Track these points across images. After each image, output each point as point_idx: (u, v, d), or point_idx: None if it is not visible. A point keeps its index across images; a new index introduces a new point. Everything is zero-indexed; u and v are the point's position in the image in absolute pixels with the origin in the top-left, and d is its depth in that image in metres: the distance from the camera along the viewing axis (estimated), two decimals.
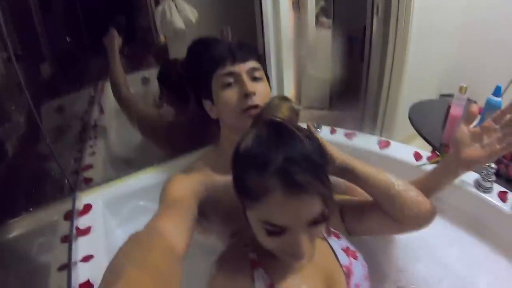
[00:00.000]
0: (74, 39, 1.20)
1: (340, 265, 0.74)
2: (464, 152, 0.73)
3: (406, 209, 0.72)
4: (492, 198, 0.97)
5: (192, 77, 1.11)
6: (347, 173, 0.76)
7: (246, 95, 0.82)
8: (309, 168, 0.58)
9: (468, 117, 0.72)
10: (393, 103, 1.68)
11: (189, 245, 0.67)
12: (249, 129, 0.66)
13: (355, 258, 0.77)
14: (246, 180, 0.61)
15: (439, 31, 1.81)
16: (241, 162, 0.64)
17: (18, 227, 1.02)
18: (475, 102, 1.35)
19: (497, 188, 0.99)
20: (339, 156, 0.76)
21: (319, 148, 0.64)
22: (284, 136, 0.61)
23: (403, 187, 0.73)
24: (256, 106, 0.82)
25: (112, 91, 1.27)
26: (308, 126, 0.80)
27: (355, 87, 1.77)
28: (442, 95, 1.81)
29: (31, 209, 1.05)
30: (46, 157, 1.08)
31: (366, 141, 1.23)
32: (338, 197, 0.85)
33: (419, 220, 0.74)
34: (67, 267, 0.87)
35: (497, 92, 1.14)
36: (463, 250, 0.97)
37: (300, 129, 0.64)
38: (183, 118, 1.34)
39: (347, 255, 0.76)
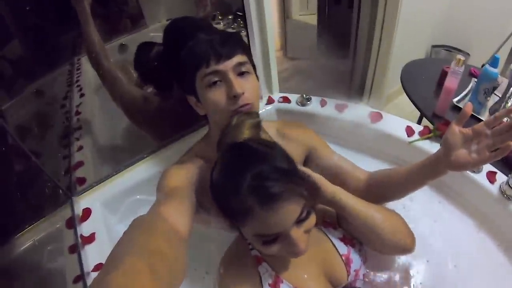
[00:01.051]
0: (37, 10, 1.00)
1: (340, 254, 0.78)
2: (453, 155, 0.69)
3: (383, 247, 0.78)
4: (481, 178, 0.97)
5: (172, 71, 1.02)
6: (336, 206, 0.77)
7: (235, 96, 0.76)
8: (278, 177, 0.61)
9: (460, 117, 0.68)
10: (385, 55, 1.57)
11: (191, 230, 0.69)
12: (217, 158, 0.70)
13: (353, 246, 0.81)
14: (227, 206, 0.66)
15: None
16: (217, 193, 0.68)
17: (23, 242, 1.01)
18: (467, 54, 1.26)
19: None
20: (329, 188, 0.77)
21: (282, 153, 0.67)
22: (247, 155, 0.65)
23: (387, 230, 0.76)
24: (246, 105, 0.78)
25: (91, 63, 1.13)
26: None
27: (344, 36, 1.63)
28: (434, 46, 1.68)
29: (32, 223, 1.03)
30: (34, 168, 1.02)
31: (357, 114, 1.19)
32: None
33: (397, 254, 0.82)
34: (80, 279, 0.89)
35: (494, 63, 1.08)
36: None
37: (262, 142, 0.68)
38: (167, 103, 1.24)
39: (345, 244, 0.80)
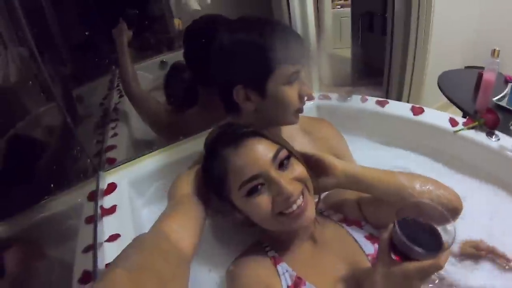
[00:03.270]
0: (89, 28, 1.14)
1: (366, 255, 0.68)
2: None
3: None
4: None
5: (197, 60, 1.04)
6: (351, 180, 0.70)
7: (302, 96, 0.77)
8: (242, 126, 0.66)
9: None
10: (419, 77, 1.58)
11: (197, 244, 0.64)
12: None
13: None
14: (212, 175, 0.67)
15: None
16: (207, 176, 0.71)
17: (42, 211, 0.95)
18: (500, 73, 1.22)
19: None
20: (339, 164, 0.70)
21: None
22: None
23: (418, 188, 0.66)
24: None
25: (122, 86, 1.20)
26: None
27: (378, 63, 1.65)
28: (467, 67, 1.68)
29: (55, 193, 0.98)
30: (68, 140, 1.02)
31: (399, 108, 1.14)
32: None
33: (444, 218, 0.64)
34: (92, 248, 0.81)
35: None
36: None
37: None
38: (190, 115, 1.24)
39: (372, 243, 0.70)
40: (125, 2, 1.16)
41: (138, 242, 0.56)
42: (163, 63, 1.45)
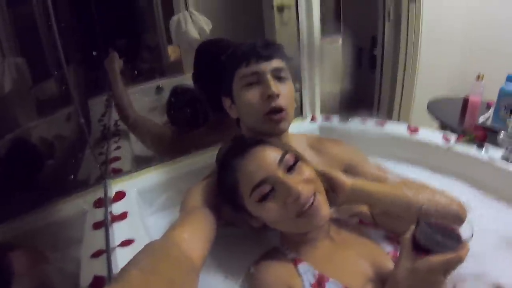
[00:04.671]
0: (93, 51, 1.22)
1: (386, 252, 0.73)
2: None
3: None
4: None
5: (204, 78, 1.11)
6: (359, 195, 0.74)
7: (269, 96, 0.78)
8: (251, 137, 0.77)
9: None
10: (407, 107, 1.74)
11: (206, 256, 0.67)
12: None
13: (399, 243, 0.73)
14: (226, 185, 0.72)
15: (446, 35, 1.94)
16: (221, 186, 0.76)
17: (45, 217, 0.96)
18: None
19: None
20: (348, 181, 0.74)
21: None
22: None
23: (423, 200, 0.70)
24: (279, 109, 0.79)
25: (117, 112, 1.25)
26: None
27: (366, 97, 1.79)
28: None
29: (58, 199, 0.99)
30: (74, 147, 1.03)
31: (396, 128, 1.26)
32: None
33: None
34: (102, 253, 0.82)
35: (509, 80, 1.20)
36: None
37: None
38: (191, 136, 1.31)
39: (390, 242, 0.76)
40: (120, 31, 1.25)
41: (150, 248, 0.58)
42: (159, 88, 1.52)
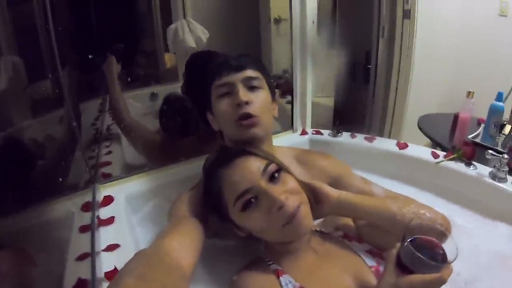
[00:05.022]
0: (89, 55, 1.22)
1: (369, 266, 0.74)
2: None
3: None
4: (508, 186, 1.02)
5: (193, 90, 1.14)
6: (344, 207, 0.77)
7: (238, 104, 0.81)
8: (231, 148, 0.79)
9: None
10: (399, 123, 1.77)
11: (195, 264, 0.68)
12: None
13: (382, 258, 0.77)
14: (211, 195, 0.74)
15: (438, 52, 2.00)
16: (207, 195, 0.78)
17: (31, 218, 0.93)
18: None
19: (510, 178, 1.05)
20: (334, 193, 0.77)
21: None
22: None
23: (407, 214, 0.73)
24: (249, 115, 0.82)
25: (112, 115, 1.27)
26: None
27: (359, 111, 1.83)
28: None
29: (46, 200, 0.96)
30: (64, 150, 1.06)
31: (385, 144, 1.28)
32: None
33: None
34: (87, 256, 0.82)
35: (499, 98, 1.23)
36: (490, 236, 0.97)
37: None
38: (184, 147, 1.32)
39: (373, 256, 0.77)
40: (118, 36, 1.26)
41: (142, 256, 0.59)
42: (153, 95, 1.53)
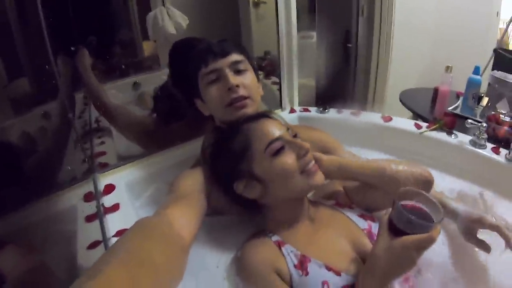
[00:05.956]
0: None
1: (361, 229, 0.82)
2: None
3: (407, 184, 0.79)
4: (487, 153, 1.13)
5: (179, 79, 1.17)
6: (337, 171, 0.84)
7: (229, 89, 0.86)
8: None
9: None
10: (380, 99, 1.85)
11: (195, 235, 0.73)
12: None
13: (373, 220, 0.85)
14: (233, 149, 0.79)
15: (417, 29, 2.11)
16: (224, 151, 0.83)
17: (34, 213, 0.97)
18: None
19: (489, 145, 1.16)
20: (325, 158, 0.84)
21: None
22: None
23: (395, 168, 0.80)
24: (242, 98, 0.87)
25: (93, 104, 1.27)
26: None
27: (341, 89, 1.90)
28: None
29: (46, 195, 1.01)
30: (60, 142, 1.08)
31: (371, 117, 1.37)
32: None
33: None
34: (99, 244, 0.85)
35: (476, 71, 1.34)
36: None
37: None
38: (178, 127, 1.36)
39: (365, 219, 0.84)
40: (95, 27, 1.26)
41: (140, 227, 0.62)
42: (136, 84, 1.54)
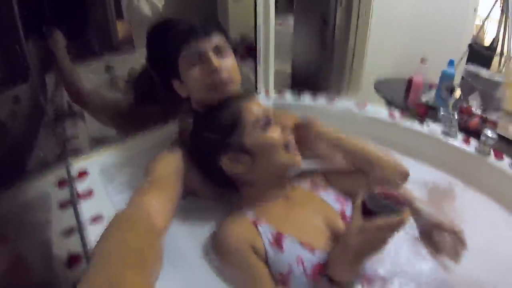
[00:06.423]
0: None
1: (335, 211, 0.86)
2: None
3: (385, 171, 0.89)
4: (458, 143, 1.18)
5: (157, 60, 1.13)
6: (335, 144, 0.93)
7: (212, 71, 0.86)
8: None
9: None
10: (355, 89, 1.89)
11: (170, 222, 0.75)
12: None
13: (347, 203, 0.90)
14: (223, 121, 0.83)
15: (394, 20, 2.16)
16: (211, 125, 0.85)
17: (7, 202, 0.94)
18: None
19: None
20: (320, 122, 0.95)
21: None
22: None
23: (380, 153, 0.91)
24: (224, 80, 0.87)
25: (66, 89, 1.23)
26: None
27: (316, 77, 1.93)
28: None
29: (18, 182, 0.97)
30: (32, 128, 1.05)
31: (345, 104, 1.40)
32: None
33: (396, 179, 0.90)
34: (73, 231, 0.85)
35: (451, 64, 1.37)
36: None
37: None
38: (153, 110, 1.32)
39: (339, 202, 0.89)
40: (67, 8, 1.21)
41: (118, 221, 0.62)
42: (108, 67, 1.50)
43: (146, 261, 0.54)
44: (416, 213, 0.88)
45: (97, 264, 0.49)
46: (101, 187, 0.98)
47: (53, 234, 0.84)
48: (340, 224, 0.82)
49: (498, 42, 2.00)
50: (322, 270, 0.73)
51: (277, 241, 0.76)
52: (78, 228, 0.84)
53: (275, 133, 0.82)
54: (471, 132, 1.26)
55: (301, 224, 0.82)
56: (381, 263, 0.78)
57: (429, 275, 0.81)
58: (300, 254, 0.74)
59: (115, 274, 0.47)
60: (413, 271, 0.81)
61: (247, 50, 1.53)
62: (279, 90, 1.50)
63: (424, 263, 0.84)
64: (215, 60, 0.85)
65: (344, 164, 0.94)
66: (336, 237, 0.79)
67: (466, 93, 1.50)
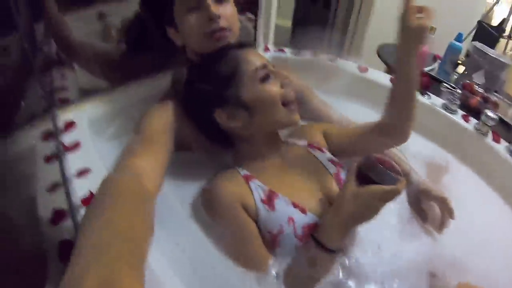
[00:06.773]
0: None
1: (330, 173, 0.84)
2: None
3: (407, 120, 0.84)
4: (458, 118, 1.18)
5: (151, 4, 1.06)
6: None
7: (211, 19, 0.82)
8: None
9: None
10: (356, 51, 1.83)
11: (162, 183, 0.73)
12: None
13: (341, 167, 0.88)
14: (220, 73, 0.79)
15: None
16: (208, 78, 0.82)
17: None
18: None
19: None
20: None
21: None
22: None
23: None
24: (222, 29, 0.83)
25: (53, 38, 1.14)
26: None
27: (317, 35, 1.85)
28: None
29: (4, 136, 0.92)
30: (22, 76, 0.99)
31: (347, 65, 1.37)
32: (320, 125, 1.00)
33: (406, 136, 0.86)
34: (59, 186, 0.82)
35: (459, 38, 1.35)
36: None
37: None
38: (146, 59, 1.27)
39: (334, 164, 0.87)
40: None
41: (107, 187, 0.60)
42: (101, 15, 1.41)
43: (136, 233, 0.51)
44: (407, 179, 0.87)
45: (87, 255, 0.45)
46: (89, 139, 0.95)
47: (38, 189, 0.82)
48: (334, 188, 0.81)
49: (507, 23, 1.94)
50: (312, 232, 0.72)
51: (269, 199, 0.75)
52: (64, 183, 0.81)
53: (274, 87, 0.78)
54: (470, 110, 1.25)
55: (294, 184, 0.81)
56: (364, 254, 0.78)
57: (411, 260, 0.81)
58: (292, 215, 0.74)
59: (109, 270, 0.43)
60: (395, 260, 0.80)
61: (248, 1, 1.46)
62: (278, 47, 1.44)
63: (406, 252, 0.83)
64: (214, 7, 0.81)
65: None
66: (329, 200, 0.79)
67: (471, 69, 1.46)
